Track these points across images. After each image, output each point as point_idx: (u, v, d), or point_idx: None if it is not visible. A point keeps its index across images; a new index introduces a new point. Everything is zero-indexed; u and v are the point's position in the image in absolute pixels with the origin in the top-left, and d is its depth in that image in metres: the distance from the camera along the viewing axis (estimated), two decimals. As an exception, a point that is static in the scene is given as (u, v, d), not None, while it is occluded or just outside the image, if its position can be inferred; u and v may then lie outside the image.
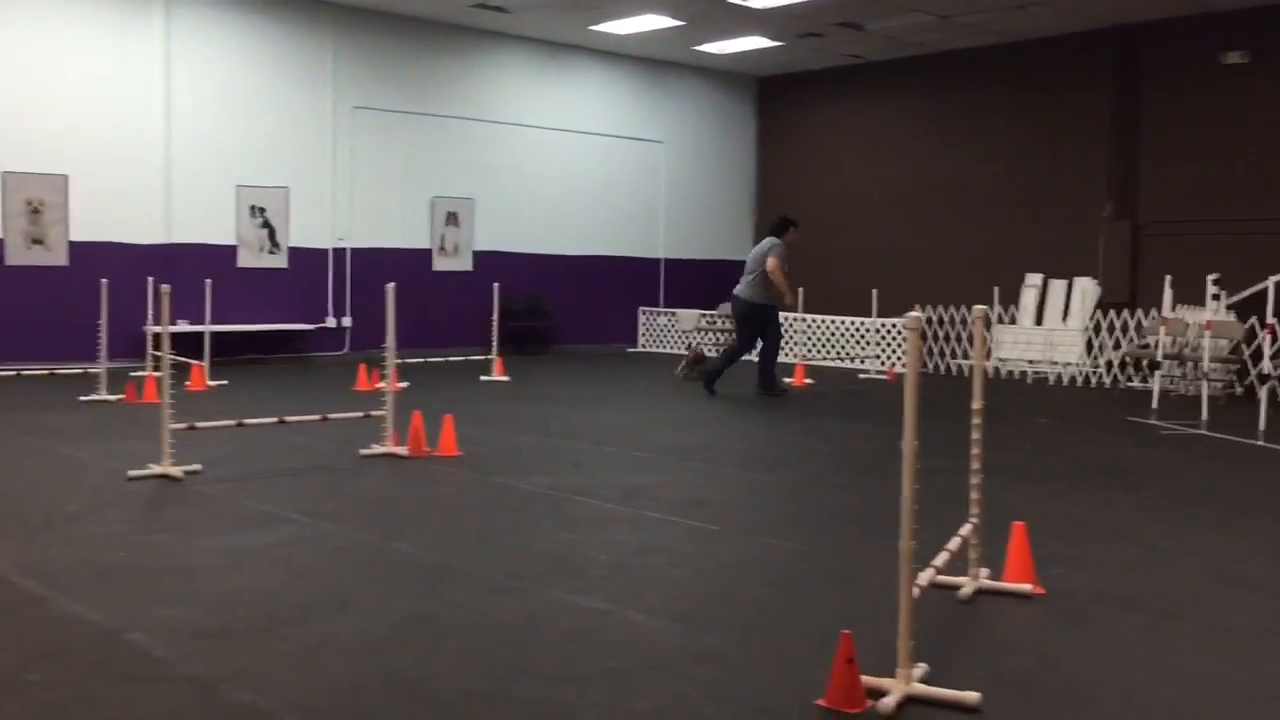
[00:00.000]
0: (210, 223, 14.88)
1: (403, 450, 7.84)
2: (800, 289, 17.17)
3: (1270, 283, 10.70)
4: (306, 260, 15.75)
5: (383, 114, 16.38)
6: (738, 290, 12.08)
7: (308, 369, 14.64)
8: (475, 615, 4.31)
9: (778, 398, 12.03)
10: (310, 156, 15.74)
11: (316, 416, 8.26)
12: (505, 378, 13.53)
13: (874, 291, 15.39)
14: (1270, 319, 10.50)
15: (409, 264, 16.51)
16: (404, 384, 11.70)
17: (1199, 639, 4.17)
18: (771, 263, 11.65)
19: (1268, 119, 14.71)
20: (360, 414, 8.31)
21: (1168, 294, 12.40)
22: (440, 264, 17.07)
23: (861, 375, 15.09)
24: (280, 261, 15.53)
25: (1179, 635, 4.21)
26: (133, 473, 6.90)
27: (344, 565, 5.01)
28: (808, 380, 13.93)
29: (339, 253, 16.06)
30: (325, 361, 15.53)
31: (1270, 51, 14.73)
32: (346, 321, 16.08)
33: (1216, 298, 12.34)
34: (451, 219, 17.18)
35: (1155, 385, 11.99)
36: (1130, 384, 13.97)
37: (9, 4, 13.34)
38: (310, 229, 15.75)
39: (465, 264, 17.30)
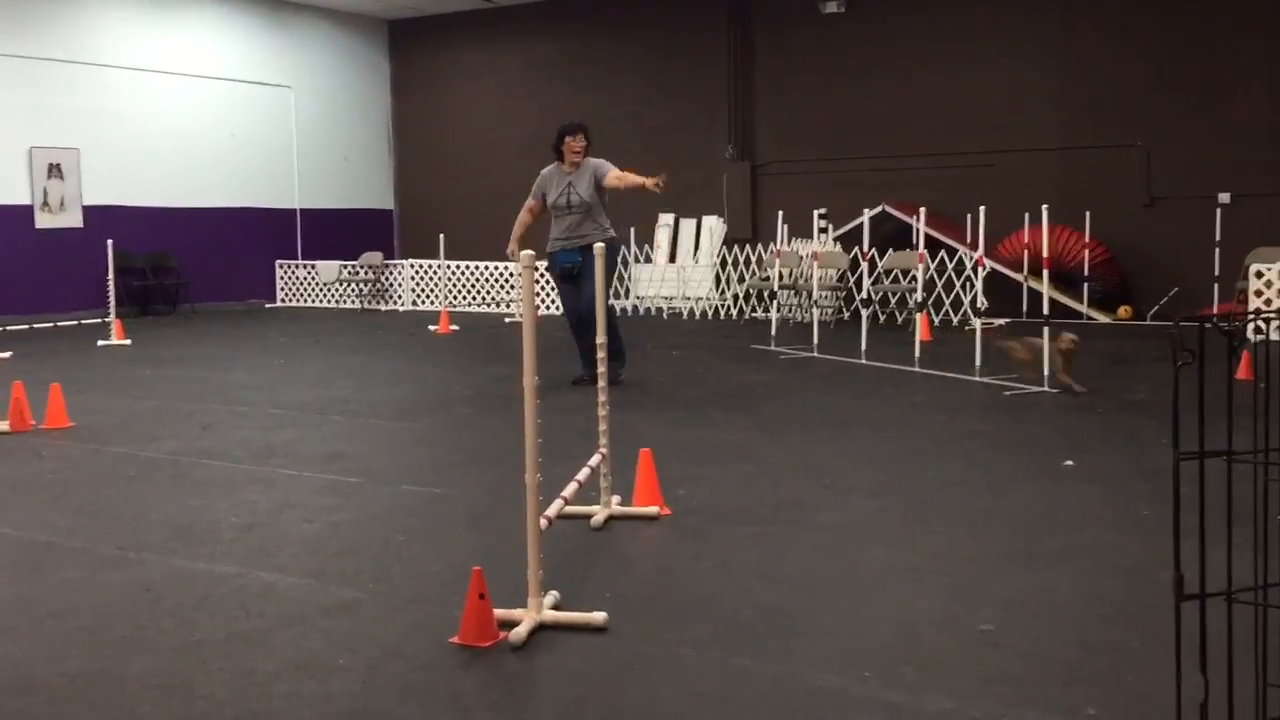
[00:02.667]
0: None
1: (3, 425, 7.13)
2: (441, 236, 17.10)
3: (866, 216, 11.74)
4: (-123, 220, 13.88)
5: (-38, 54, 14.62)
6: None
7: (-113, 343, 12.96)
8: (84, 593, 4.01)
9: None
10: (-127, 102, 13.82)
11: (-106, 395, 7.35)
12: (126, 341, 12.58)
13: (515, 236, 15.51)
14: (868, 248, 11.53)
15: (7, 221, 14.94)
16: (5, 354, 10.64)
17: (803, 541, 4.56)
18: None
19: (864, 64, 16.05)
20: (-52, 389, 7.47)
21: (781, 229, 13.32)
22: (43, 221, 15.55)
23: (507, 320, 15.24)
24: None
25: (786, 540, 4.58)
26: None
27: (-71, 556, 4.51)
28: (453, 327, 13.90)
29: (-82, 211, 14.27)
30: (-91, 334, 13.81)
31: (863, 1, 16.03)
32: (-67, 288, 14.36)
33: (824, 231, 13.41)
34: (55, 171, 15.66)
35: (774, 314, 12.89)
36: (754, 314, 14.97)
37: None
38: (-121, 184, 13.88)
39: (74, 220, 15.85)
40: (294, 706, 3.04)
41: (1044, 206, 9.45)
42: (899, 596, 3.88)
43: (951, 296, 13.76)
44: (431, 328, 13.87)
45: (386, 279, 17.93)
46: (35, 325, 13.80)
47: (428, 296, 17.38)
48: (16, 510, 5.24)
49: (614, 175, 8.60)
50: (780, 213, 13.23)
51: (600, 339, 4.95)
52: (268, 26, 18.39)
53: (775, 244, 13.53)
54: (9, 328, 12.94)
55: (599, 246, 4.15)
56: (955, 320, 13.59)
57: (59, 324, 14.14)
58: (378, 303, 17.83)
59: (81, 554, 4.50)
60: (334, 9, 19.03)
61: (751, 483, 5.60)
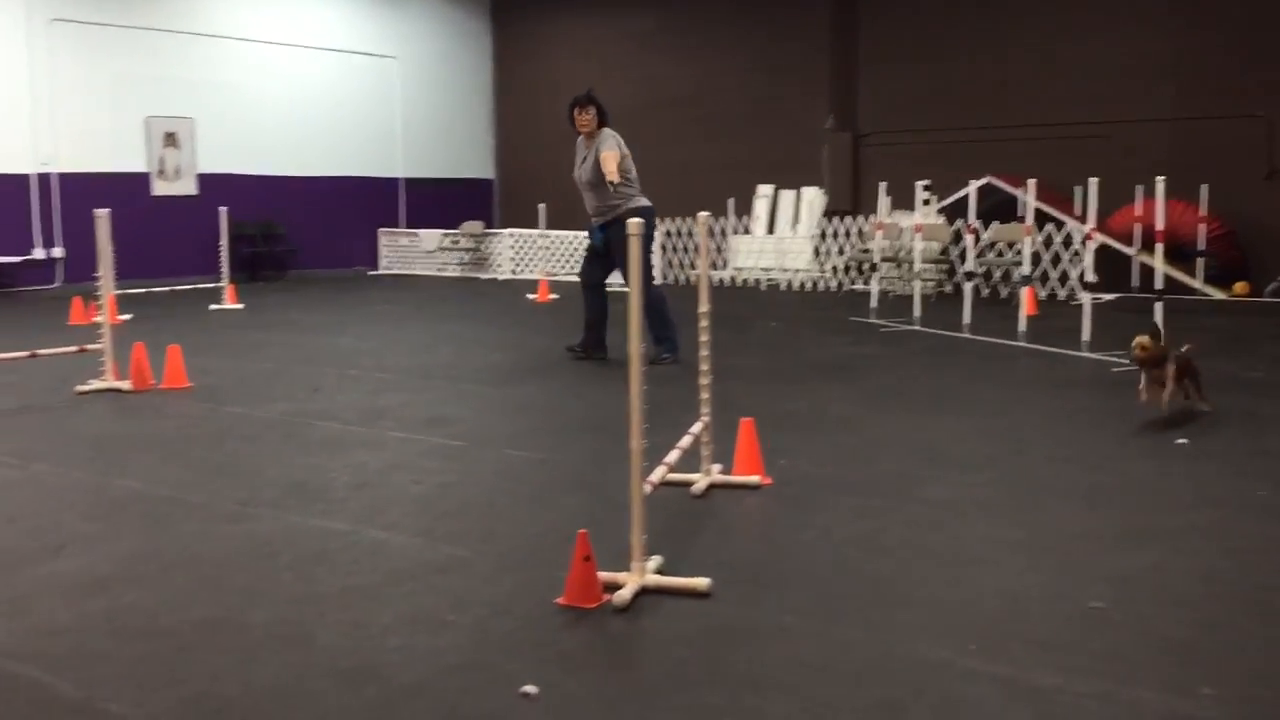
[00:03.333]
0: (-113, 147, 13.44)
1: (125, 384, 7.42)
2: (541, 205, 17.23)
3: (972, 188, 11.51)
4: (6, 186, 14.48)
5: (85, 27, 15.12)
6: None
7: (15, 304, 13.55)
8: (207, 545, 4.18)
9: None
10: (3, 73, 14.37)
11: (24, 353, 7.68)
12: (238, 305, 12.96)
13: (614, 206, 15.56)
14: (973, 221, 11.33)
15: (125, 188, 15.44)
16: (125, 316, 11.04)
17: (906, 514, 4.53)
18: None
19: (970, 31, 15.69)
20: (74, 348, 7.78)
21: (883, 200, 13.14)
22: (160, 188, 16.06)
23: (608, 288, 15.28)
24: (-25, 189, 14.21)
25: (888, 512, 4.56)
26: None
27: (60, 506, 4.73)
28: (552, 295, 14.02)
29: (44, 178, 14.84)
30: (35, 296, 14.40)
31: (971, -31, 15.66)
32: (58, 252, 14.94)
33: (927, 202, 13.19)
34: (170, 140, 16.15)
35: (874, 287, 12.74)
36: (854, 287, 14.81)
37: None
38: (8, 153, 14.46)
39: (189, 187, 16.34)
40: (407, 659, 3.13)
41: (1159, 179, 9.17)
42: (1005, 571, 3.84)
43: (1059, 270, 13.45)
44: (530, 296, 14.01)
45: (486, 248, 18.15)
46: (152, 289, 14.27)
47: (527, 265, 17.55)
48: (141, 466, 5.46)
49: (605, 156, 8.17)
50: (883, 184, 13.05)
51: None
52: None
53: (876, 216, 13.35)
54: (130, 290, 13.41)
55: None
56: (1062, 294, 13.29)
57: (175, 288, 14.61)
58: (478, 271, 18.05)
59: (203, 508, 4.68)
60: (438, -20, 19.24)
61: (853, 455, 5.58)
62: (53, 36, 14.79)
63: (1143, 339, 6.10)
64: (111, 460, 5.58)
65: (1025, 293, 10.70)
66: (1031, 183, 10.63)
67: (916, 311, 11.32)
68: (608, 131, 8.41)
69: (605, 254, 8.62)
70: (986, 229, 13.45)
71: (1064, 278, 13.39)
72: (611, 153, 8.18)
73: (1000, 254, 13.41)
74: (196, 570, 3.90)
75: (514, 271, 17.67)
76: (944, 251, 13.95)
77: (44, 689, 2.95)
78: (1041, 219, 12.96)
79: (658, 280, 9.80)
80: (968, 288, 11.09)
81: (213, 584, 3.76)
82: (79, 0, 15.04)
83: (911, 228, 12.83)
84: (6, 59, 14.39)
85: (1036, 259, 12.97)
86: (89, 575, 3.85)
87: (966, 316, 10.69)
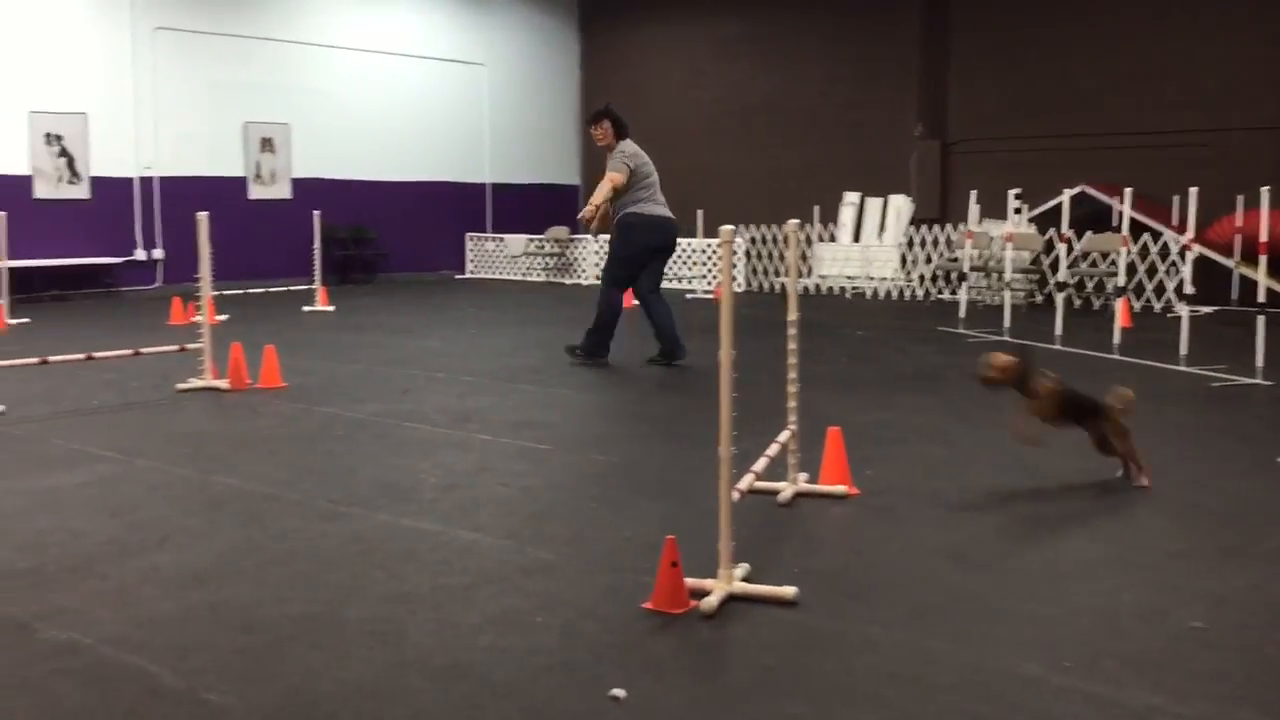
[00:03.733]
0: (1, 151, 13.95)
1: (223, 383, 7.62)
2: (627, 211, 17.30)
3: (1065, 196, 11.31)
4: (110, 190, 14.96)
5: (187, 35, 15.57)
6: (669, 215, 8.91)
7: (118, 304, 13.99)
8: (302, 542, 4.27)
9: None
10: (109, 81, 14.87)
11: (128, 351, 7.93)
12: (329, 307, 13.23)
13: (699, 213, 15.60)
14: (1066, 230, 11.12)
15: (223, 192, 15.86)
16: (222, 317, 11.33)
17: (997, 528, 4.47)
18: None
19: (1065, 36, 15.41)
20: (175, 347, 8.01)
21: (973, 209, 12.96)
22: (256, 192, 16.47)
23: (689, 296, 15.33)
24: (82, 192, 14.71)
25: (979, 525, 4.50)
26: (-73, 417, 6.52)
27: (162, 501, 4.88)
28: (635, 302, 14.04)
29: (146, 182, 15.30)
30: (136, 296, 14.86)
31: (1066, -26, 15.39)
32: (158, 254, 15.40)
33: (1018, 211, 12.97)
34: (266, 145, 16.55)
35: (963, 296, 12.57)
36: (941, 296, 14.63)
37: None
38: (113, 157, 14.94)
39: (284, 191, 16.73)
40: (498, 659, 3.17)
41: (1264, 189, 8.91)
42: (1101, 588, 3.76)
43: (1154, 282, 13.14)
44: (615, 302, 14.07)
45: (571, 253, 18.28)
46: (248, 290, 14.63)
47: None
48: (239, 463, 5.60)
49: (606, 177, 8.54)
50: (973, 193, 12.87)
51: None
52: (466, 6, 18.92)
53: (966, 224, 13.17)
54: (226, 292, 13.76)
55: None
56: (1158, 307, 12.98)
57: (269, 290, 14.96)
58: (562, 276, 18.19)
59: (298, 506, 4.79)
60: (528, -12, 19.45)
61: (941, 466, 5.51)
62: (157, 44, 15.26)
63: (997, 356, 5.02)
64: (211, 457, 5.74)
65: (1120, 304, 10.47)
66: (1127, 192, 10.40)
67: (1006, 322, 11.14)
68: (619, 147, 8.63)
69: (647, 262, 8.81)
70: (1080, 238, 13.19)
71: (1160, 289, 13.08)
72: (611, 174, 8.47)
73: (1094, 264, 13.14)
74: (293, 566, 3.99)
75: (598, 277, 17.74)
76: (1035, 261, 13.72)
77: (149, 678, 3.05)
78: (1137, 229, 12.68)
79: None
80: (1060, 298, 10.89)
81: (308, 580, 3.84)
82: (182, 9, 15.50)
83: (1002, 236, 12.64)
84: (113, 66, 14.88)
85: (1132, 270, 12.69)
86: (190, 568, 3.96)
87: (1058, 328, 10.50)
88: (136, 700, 2.92)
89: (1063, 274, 11.26)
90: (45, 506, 4.76)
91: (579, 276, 17.98)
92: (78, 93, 14.56)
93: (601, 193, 8.47)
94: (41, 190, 14.32)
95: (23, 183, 14.14)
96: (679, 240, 9.30)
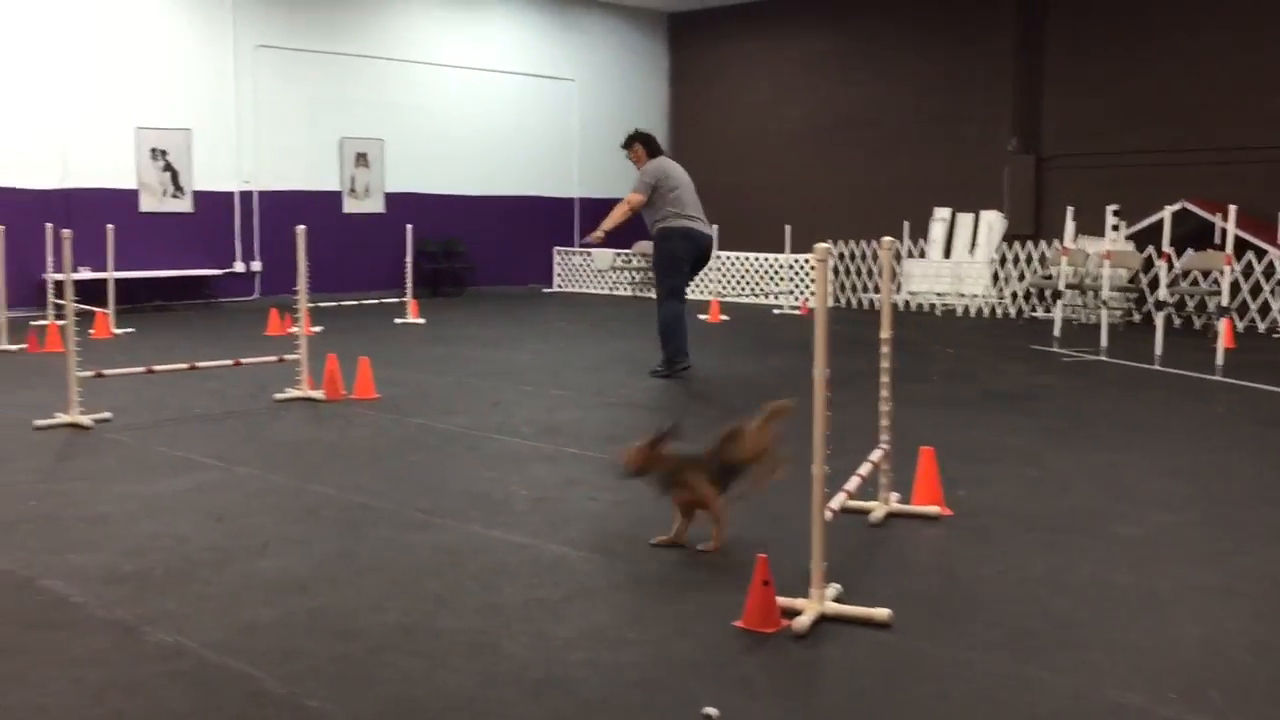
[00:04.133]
0: (109, 166, 14.45)
1: (318, 393, 7.78)
2: (715, 226, 17.29)
3: (1166, 212, 11.03)
4: (212, 203, 15.39)
5: (287, 52, 15.97)
6: (702, 227, 9.26)
7: (217, 314, 14.37)
8: (397, 552, 4.35)
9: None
10: (212, 97, 15.31)
11: (229, 361, 8.14)
12: (420, 320, 13.44)
13: (787, 228, 15.54)
14: (1166, 248, 10.85)
15: (319, 206, 16.23)
16: (317, 328, 11.56)
17: (1096, 552, 4.37)
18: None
19: (1166, 48, 15.06)
20: (274, 358, 8.21)
21: (1069, 225, 12.71)
22: (351, 206, 16.81)
23: (776, 311, 15.26)
24: (185, 205, 15.15)
25: (1077, 549, 4.40)
26: (39, 422, 6.76)
27: (262, 508, 5.00)
28: (723, 317, 14.06)
29: (245, 195, 15.72)
30: (235, 306, 15.25)
31: (1168, -14, 15.05)
32: (256, 266, 15.79)
33: (1116, 228, 12.68)
34: (361, 160, 16.89)
35: (1058, 314, 12.33)
36: (1034, 314, 14.36)
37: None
38: (215, 171, 15.38)
39: (377, 205, 17.06)
40: (590, 674, 3.19)
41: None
42: (1205, 616, 3.66)
43: (1259, 302, 12.75)
44: (702, 317, 14.09)
45: (658, 268, 18.31)
46: (342, 302, 14.92)
47: (698, 285, 17.63)
48: (335, 472, 5.72)
49: (625, 198, 9.30)
50: (1069, 209, 12.62)
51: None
52: (556, 23, 19.13)
53: (1061, 241, 12.92)
54: (320, 303, 14.06)
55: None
56: (1262, 327, 12.59)
57: (361, 302, 15.22)
58: (649, 290, 18.23)
59: (392, 515, 4.87)
60: (618, 4, 19.57)
61: (1037, 488, 5.41)
62: (258, 62, 15.68)
63: (628, 451, 4.41)
64: (307, 465, 5.86)
65: (1223, 324, 10.18)
66: (1231, 209, 10.11)
67: (1103, 341, 10.90)
68: (644, 168, 9.21)
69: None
70: (1180, 256, 12.86)
71: (1265, 309, 12.68)
72: (629, 195, 9.13)
73: (1195, 283, 12.80)
74: (388, 575, 4.06)
75: (685, 291, 17.75)
76: (1133, 279, 13.40)
77: (252, 682, 3.13)
78: (1241, 247, 12.31)
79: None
80: (1159, 317, 10.62)
81: (404, 589, 3.90)
82: (283, 27, 15.91)
83: (1099, 254, 12.37)
84: (217, 83, 15.32)
85: (1235, 289, 12.33)
86: (289, 575, 4.05)
87: (1158, 347, 10.24)
88: (240, 705, 2.99)
89: (1163, 292, 10.98)
90: (151, 512, 4.91)
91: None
92: (182, 109, 15.02)
93: (613, 218, 9.24)
94: (147, 204, 14.79)
95: (129, 196, 14.62)
96: (717, 251, 9.68)
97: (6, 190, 13.58)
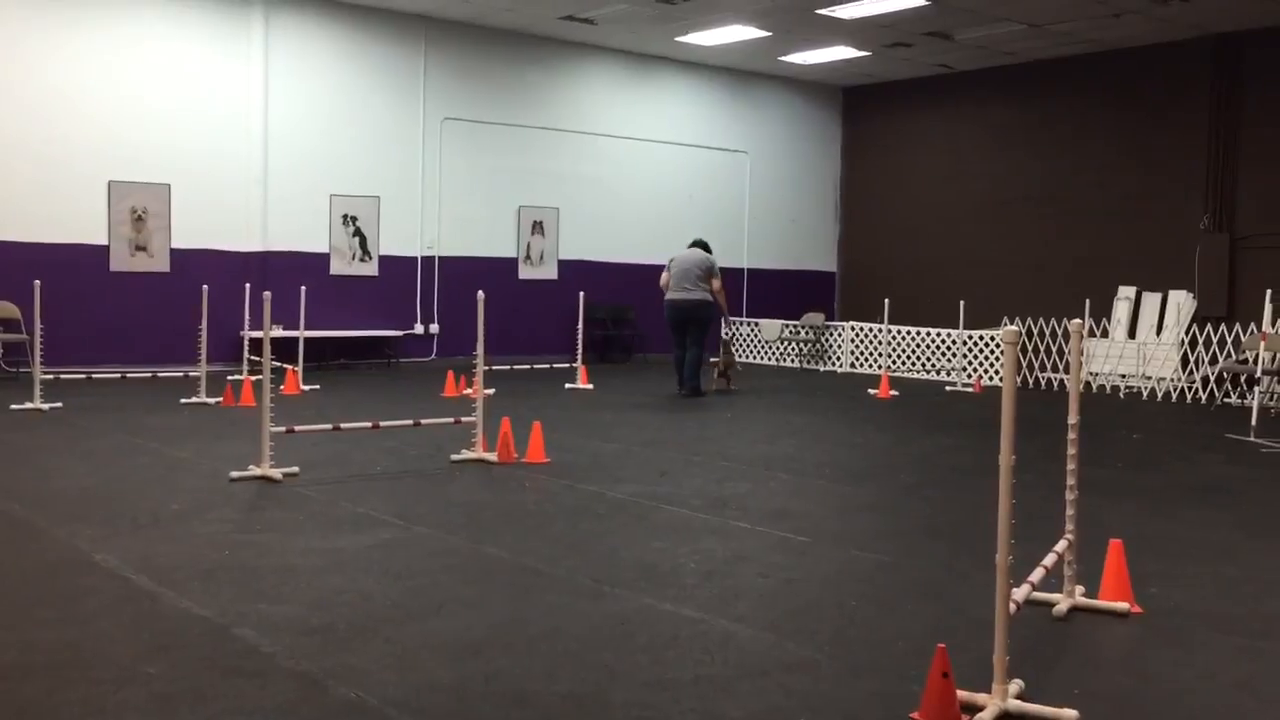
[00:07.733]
0: (305, 231, 15.26)
1: (492, 456, 7.97)
2: (886, 300, 17.10)
3: (1377, 297, 10.37)
4: (396, 268, 16.05)
5: (471, 124, 16.64)
6: (682, 296, 12.60)
7: (396, 374, 14.91)
8: (568, 619, 4.38)
9: (701, 396, 12.87)
10: (401, 166, 16.05)
11: (409, 421, 8.43)
12: (589, 386, 13.64)
13: (961, 303, 15.22)
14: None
15: (495, 272, 16.73)
16: (490, 390, 11.86)
17: (1304, 662, 4.08)
18: (717, 284, 12.72)
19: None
20: (451, 419, 8.45)
21: (1268, 308, 12.07)
22: (525, 272, 17.28)
23: (948, 388, 14.92)
24: (371, 269, 15.85)
25: (1278, 655, 4.13)
26: (234, 474, 7.12)
27: (438, 568, 5.12)
28: (893, 392, 13.81)
29: (427, 260, 16.34)
30: (413, 367, 15.80)
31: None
32: (434, 328, 16.35)
33: (1319, 312, 11.99)
34: (537, 228, 17.37)
35: (1254, 402, 11.68)
36: (1227, 400, 13.64)
37: (113, 14, 13.83)
38: (400, 237, 16.06)
39: (550, 272, 17.48)
40: (762, 758, 3.13)
41: None
42: None
43: None
44: (871, 391, 13.88)
45: (826, 339, 18.18)
46: (515, 366, 15.30)
47: (866, 359, 17.42)
48: (507, 536, 5.83)
49: None
50: (1268, 291, 12.00)
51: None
52: (731, 95, 19.39)
53: (1259, 324, 12.27)
54: (494, 366, 14.45)
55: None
56: None
57: (533, 366, 15.58)
58: (817, 363, 18.10)
59: (563, 582, 4.92)
60: (793, 78, 19.72)
61: (1236, 588, 5.10)
62: (444, 134, 16.37)
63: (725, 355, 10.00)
64: (481, 527, 5.99)
65: None
66: None
67: (1304, 431, 10.26)
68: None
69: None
70: (1391, 343, 12.05)
71: None
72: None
73: (1407, 372, 11.95)
74: (560, 643, 4.10)
75: (853, 365, 17.57)
76: (1337, 366, 12.59)
77: (429, 742, 3.18)
78: None
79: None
80: (1368, 408, 9.93)
81: (575, 658, 3.93)
82: (468, 101, 16.59)
83: (1299, 339, 11.69)
84: (405, 153, 16.06)
85: None
86: (465, 637, 4.13)
87: (1366, 440, 9.58)
88: (418, 764, 3.05)
89: (1372, 382, 10.29)
90: (335, 567, 5.09)
91: (834, 364, 17.84)
92: (373, 177, 15.79)
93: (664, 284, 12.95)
94: (337, 267, 15.54)
95: (322, 260, 15.39)
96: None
97: (211, 252, 14.48)
